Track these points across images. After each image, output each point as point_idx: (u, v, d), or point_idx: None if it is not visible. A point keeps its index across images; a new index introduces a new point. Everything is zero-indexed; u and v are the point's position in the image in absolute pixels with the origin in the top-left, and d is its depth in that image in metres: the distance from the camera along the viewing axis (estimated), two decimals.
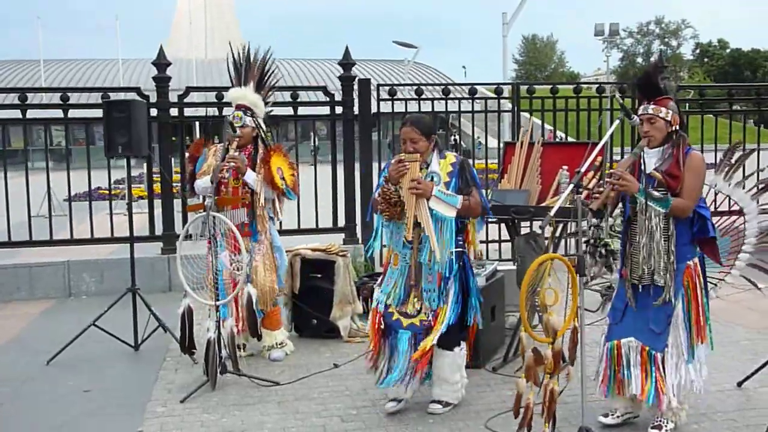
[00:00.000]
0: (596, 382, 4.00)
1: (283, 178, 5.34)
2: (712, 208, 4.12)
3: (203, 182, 5.23)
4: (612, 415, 4.03)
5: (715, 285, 4.31)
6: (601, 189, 3.76)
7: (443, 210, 4.16)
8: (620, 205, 4.08)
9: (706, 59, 70.50)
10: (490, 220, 5.43)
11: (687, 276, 3.85)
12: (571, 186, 3.52)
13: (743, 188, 4.40)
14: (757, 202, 4.39)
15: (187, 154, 5.49)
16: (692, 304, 3.85)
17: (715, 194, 4.51)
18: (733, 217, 4.46)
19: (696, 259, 3.90)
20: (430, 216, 4.15)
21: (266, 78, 5.54)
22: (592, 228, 3.77)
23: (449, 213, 4.16)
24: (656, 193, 3.75)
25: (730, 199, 4.48)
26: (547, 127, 8.73)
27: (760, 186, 4.43)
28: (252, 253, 5.29)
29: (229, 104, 5.61)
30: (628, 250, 3.94)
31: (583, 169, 3.53)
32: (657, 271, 3.81)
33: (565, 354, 3.82)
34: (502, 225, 6.87)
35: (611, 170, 3.83)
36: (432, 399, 4.41)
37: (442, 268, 4.24)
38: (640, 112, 3.83)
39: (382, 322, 4.34)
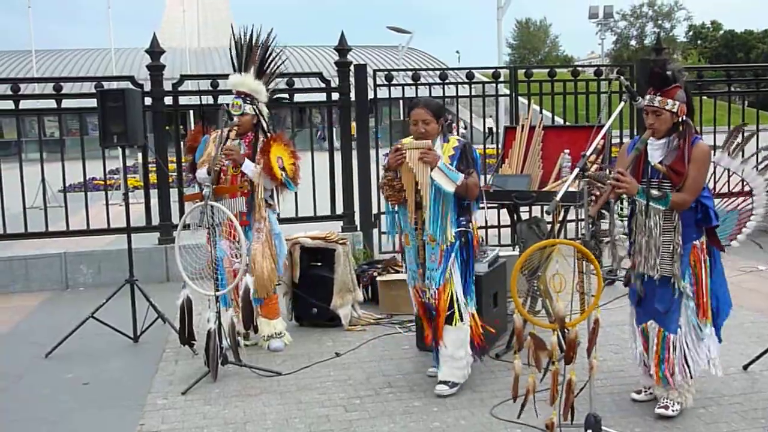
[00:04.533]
0: (637, 363, 4.10)
1: (283, 168, 5.18)
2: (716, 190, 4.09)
3: (202, 172, 5.12)
4: (645, 391, 4.12)
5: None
6: (597, 192, 3.73)
7: (443, 183, 4.17)
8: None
9: (699, 41, 70.23)
10: (490, 205, 5.38)
11: (693, 255, 3.86)
12: (577, 170, 3.47)
13: (748, 164, 4.39)
14: (764, 177, 4.37)
15: (185, 145, 5.36)
16: (699, 282, 3.87)
17: (715, 177, 4.46)
18: (741, 199, 4.44)
19: (703, 239, 3.89)
20: (430, 185, 4.20)
21: (268, 63, 5.35)
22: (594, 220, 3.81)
23: (448, 187, 4.18)
24: (655, 193, 3.77)
25: (729, 173, 4.48)
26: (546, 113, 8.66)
27: (763, 161, 4.39)
28: (251, 241, 5.22)
29: (224, 92, 5.49)
30: (634, 245, 3.98)
31: (588, 153, 3.47)
32: (659, 265, 3.84)
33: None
34: (502, 210, 6.84)
35: (611, 169, 3.82)
36: (439, 380, 4.40)
37: (443, 242, 4.27)
38: (646, 102, 3.80)
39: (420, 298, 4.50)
